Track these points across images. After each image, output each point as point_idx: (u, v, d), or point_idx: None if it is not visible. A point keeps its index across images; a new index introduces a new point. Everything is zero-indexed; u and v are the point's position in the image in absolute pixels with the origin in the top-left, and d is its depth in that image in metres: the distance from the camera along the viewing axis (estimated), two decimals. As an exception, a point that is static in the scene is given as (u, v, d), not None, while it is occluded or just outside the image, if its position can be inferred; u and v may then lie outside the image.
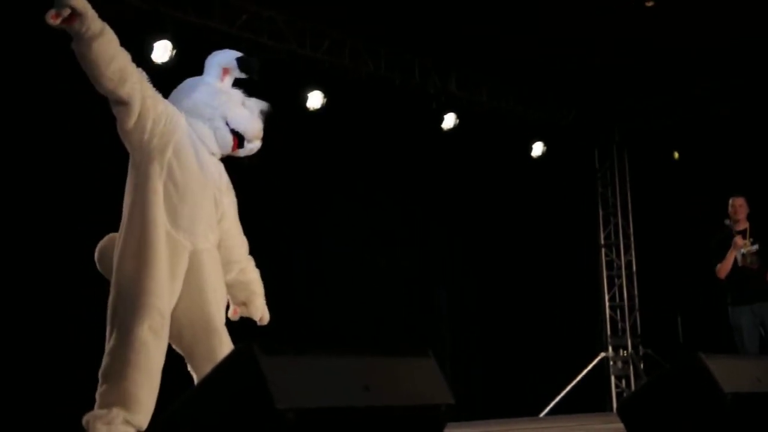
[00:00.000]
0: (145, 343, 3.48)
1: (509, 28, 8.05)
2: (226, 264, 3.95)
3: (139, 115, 3.60)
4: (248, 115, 3.88)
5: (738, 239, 7.32)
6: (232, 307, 4.09)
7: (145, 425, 3.39)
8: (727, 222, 7.39)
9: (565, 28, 8.08)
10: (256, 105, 3.94)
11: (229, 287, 4.00)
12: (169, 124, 3.68)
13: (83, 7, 3.40)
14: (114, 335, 3.51)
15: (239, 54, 3.96)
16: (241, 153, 3.96)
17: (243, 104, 3.91)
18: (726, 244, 7.36)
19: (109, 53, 3.49)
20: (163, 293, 3.57)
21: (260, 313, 4.09)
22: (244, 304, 4.06)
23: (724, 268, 7.37)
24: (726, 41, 8.41)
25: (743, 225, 7.40)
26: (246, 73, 3.93)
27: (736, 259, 7.33)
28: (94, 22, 3.44)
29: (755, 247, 7.33)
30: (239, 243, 4.01)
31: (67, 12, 3.37)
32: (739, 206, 7.43)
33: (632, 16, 7.89)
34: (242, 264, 4.03)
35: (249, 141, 3.90)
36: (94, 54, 3.45)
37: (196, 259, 3.69)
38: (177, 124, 3.72)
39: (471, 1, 7.56)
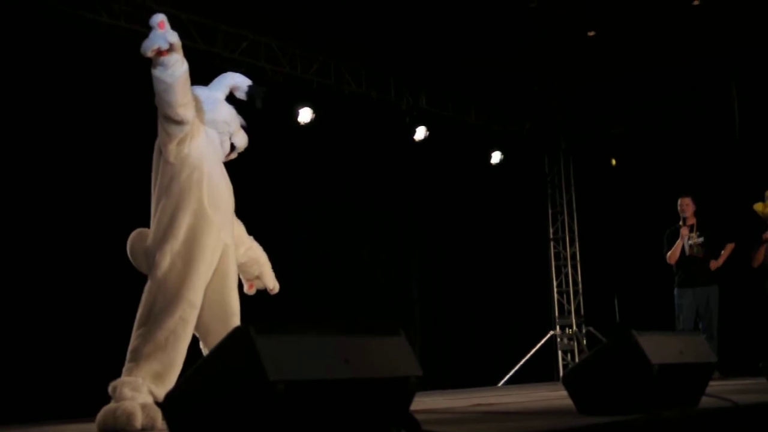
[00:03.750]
0: (174, 331, 3.46)
1: (472, 53, 8.07)
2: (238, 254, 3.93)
3: (187, 133, 3.57)
4: (245, 135, 3.90)
5: (684, 229, 7.39)
6: (246, 284, 4.07)
7: None
8: (681, 222, 7.45)
9: (519, 53, 8.11)
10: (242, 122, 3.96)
11: (242, 266, 3.97)
12: (202, 138, 3.65)
13: (179, 45, 3.41)
14: (149, 320, 3.46)
15: (250, 82, 3.89)
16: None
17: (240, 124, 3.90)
18: (677, 236, 7.44)
19: (187, 84, 3.49)
20: (201, 289, 3.56)
21: (272, 282, 4.12)
22: (258, 277, 4.07)
23: (673, 255, 7.45)
24: (656, 65, 8.47)
25: (691, 220, 7.47)
26: (249, 100, 3.84)
27: (683, 248, 7.39)
28: (183, 58, 3.44)
29: (701, 239, 7.39)
30: (239, 226, 3.98)
31: (166, 47, 3.35)
32: (686, 205, 7.49)
33: (576, 44, 7.93)
34: (247, 244, 4.01)
35: (237, 151, 3.91)
36: (178, 84, 3.43)
37: (225, 253, 3.68)
38: (205, 136, 3.68)
39: (439, 31, 7.58)
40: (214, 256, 3.60)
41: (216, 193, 3.65)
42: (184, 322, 3.49)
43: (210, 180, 3.63)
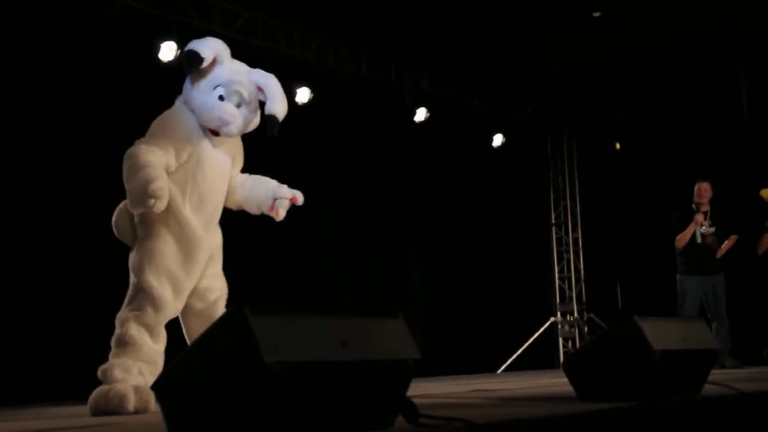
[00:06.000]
0: (154, 328, 3.49)
1: (474, 35, 8.03)
2: (236, 195, 3.91)
3: None
4: (207, 103, 3.64)
5: (699, 216, 7.35)
6: (272, 212, 3.92)
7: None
8: (693, 206, 7.41)
9: (523, 35, 8.07)
10: (231, 87, 3.65)
11: (250, 199, 3.90)
12: (185, 158, 3.62)
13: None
14: (131, 315, 3.48)
15: (189, 48, 3.66)
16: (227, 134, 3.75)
17: (217, 92, 3.66)
18: (687, 220, 7.39)
19: None
20: (185, 294, 3.56)
21: (291, 193, 3.95)
22: (274, 199, 3.92)
23: (682, 239, 7.39)
24: (662, 49, 8.43)
25: (705, 207, 7.43)
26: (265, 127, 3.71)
27: (695, 236, 7.36)
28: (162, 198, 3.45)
29: (712, 229, 7.37)
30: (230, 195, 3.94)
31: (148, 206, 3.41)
32: (704, 190, 7.43)
33: (581, 25, 7.90)
34: (242, 178, 3.94)
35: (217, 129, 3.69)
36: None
37: (204, 250, 3.68)
38: (192, 153, 3.63)
39: (441, 12, 7.53)
40: (200, 263, 3.61)
41: (204, 195, 3.65)
42: (166, 320, 3.55)
43: (199, 187, 3.64)
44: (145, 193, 3.32)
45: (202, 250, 3.63)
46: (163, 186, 3.36)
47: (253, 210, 3.96)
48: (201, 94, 3.65)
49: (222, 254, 3.83)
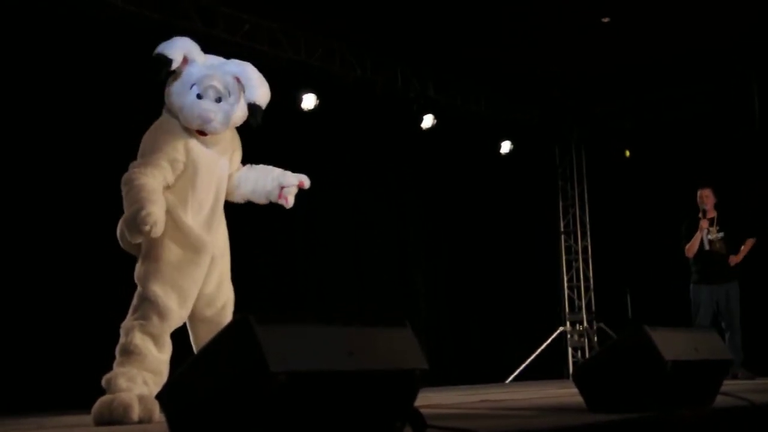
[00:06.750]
0: (159, 337, 3.50)
1: (482, 40, 8.05)
2: (242, 190, 3.92)
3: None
4: (185, 104, 3.62)
5: (704, 222, 7.33)
6: (281, 200, 3.91)
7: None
8: (700, 214, 7.41)
9: (531, 40, 8.09)
10: (204, 83, 3.61)
11: (257, 191, 3.90)
12: (181, 169, 3.61)
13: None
14: (136, 324, 3.47)
15: (156, 52, 3.62)
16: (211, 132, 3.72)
17: (194, 92, 3.63)
18: (695, 228, 7.38)
19: None
20: (190, 302, 3.57)
21: (297, 178, 3.93)
22: (281, 187, 3.90)
23: (691, 249, 7.37)
24: (672, 54, 8.44)
25: (711, 214, 7.41)
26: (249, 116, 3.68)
27: (702, 243, 7.33)
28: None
29: (721, 234, 7.34)
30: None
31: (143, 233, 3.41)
32: (705, 196, 7.41)
33: (590, 30, 7.91)
34: (244, 170, 3.93)
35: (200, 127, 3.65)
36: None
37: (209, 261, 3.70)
38: (187, 162, 3.62)
39: (448, 17, 7.55)
40: (202, 270, 3.61)
41: (201, 202, 3.65)
42: (171, 329, 3.55)
43: (197, 193, 3.63)
44: (136, 222, 3.33)
45: (207, 253, 3.63)
46: (154, 211, 3.34)
47: (261, 200, 3.96)
48: (179, 96, 3.63)
49: (229, 259, 3.83)
